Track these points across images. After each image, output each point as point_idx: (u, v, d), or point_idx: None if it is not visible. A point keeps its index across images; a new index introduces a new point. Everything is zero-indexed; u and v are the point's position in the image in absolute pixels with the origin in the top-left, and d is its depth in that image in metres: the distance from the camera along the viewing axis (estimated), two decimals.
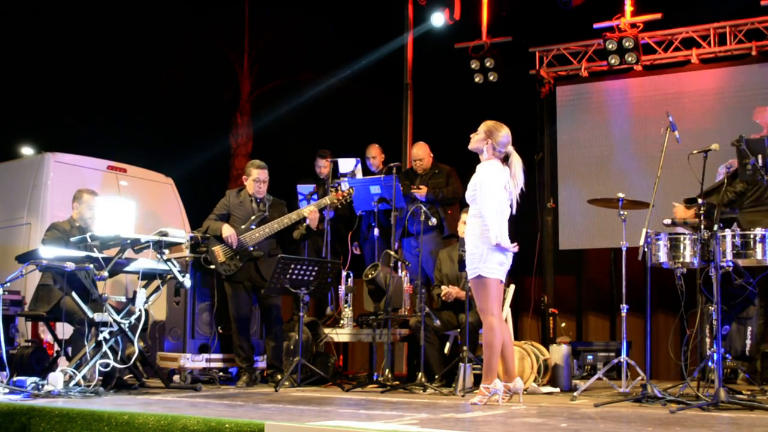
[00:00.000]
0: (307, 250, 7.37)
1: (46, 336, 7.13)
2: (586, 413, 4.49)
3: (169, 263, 5.99)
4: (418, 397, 5.58)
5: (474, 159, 5.27)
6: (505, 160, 5.17)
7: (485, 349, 5.09)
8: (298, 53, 14.39)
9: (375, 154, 8.38)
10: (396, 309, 6.83)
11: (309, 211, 6.74)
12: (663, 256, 5.39)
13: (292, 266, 6.25)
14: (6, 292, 5.92)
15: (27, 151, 13.12)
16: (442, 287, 6.66)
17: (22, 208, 8.06)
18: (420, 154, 7.90)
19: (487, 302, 5.04)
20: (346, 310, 7.14)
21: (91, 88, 14.66)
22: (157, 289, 6.09)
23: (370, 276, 6.99)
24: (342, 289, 7.19)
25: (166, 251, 6.10)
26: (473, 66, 10.20)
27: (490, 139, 5.16)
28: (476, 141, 5.20)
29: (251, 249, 6.67)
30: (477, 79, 10.27)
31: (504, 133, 5.16)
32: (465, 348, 5.81)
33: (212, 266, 6.72)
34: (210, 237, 6.73)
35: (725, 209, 5.95)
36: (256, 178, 6.82)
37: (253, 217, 6.77)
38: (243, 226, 6.74)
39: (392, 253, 6.98)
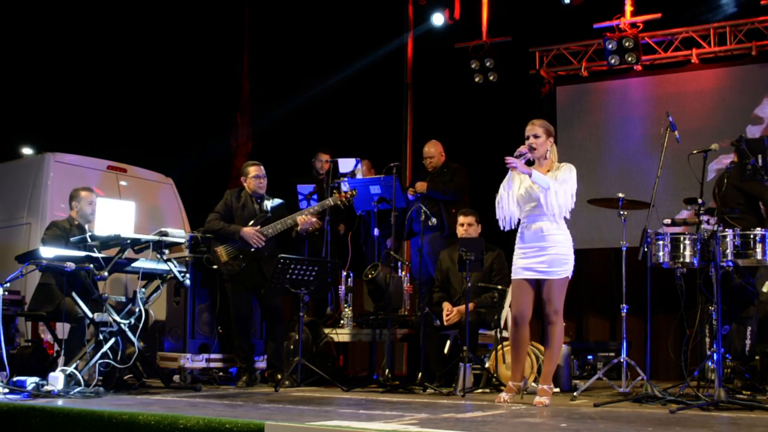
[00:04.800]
0: (307, 250, 7.36)
1: (46, 336, 7.12)
2: (586, 413, 4.49)
3: (169, 263, 5.99)
4: (418, 397, 5.58)
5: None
6: None
7: (557, 351, 5.12)
8: (298, 53, 14.39)
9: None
10: (396, 309, 6.83)
11: (303, 217, 6.70)
12: (663, 256, 5.39)
13: (292, 266, 6.26)
14: (6, 292, 5.91)
15: (27, 151, 13.10)
16: (444, 307, 6.54)
17: (22, 208, 8.06)
18: (431, 152, 7.87)
19: (562, 303, 5.09)
20: (346, 310, 7.15)
21: (91, 88, 14.64)
22: (157, 289, 6.10)
23: (370, 276, 6.99)
24: (342, 289, 7.19)
25: (166, 251, 6.10)
26: (473, 66, 10.21)
27: (551, 137, 5.21)
28: (542, 144, 5.16)
29: (254, 249, 6.67)
30: (477, 79, 10.27)
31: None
32: (465, 348, 5.81)
33: (215, 266, 6.72)
34: (211, 237, 6.72)
35: (725, 209, 5.95)
36: (255, 175, 6.82)
37: (255, 218, 6.77)
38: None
39: (392, 253, 6.98)
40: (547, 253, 5.04)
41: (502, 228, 5.22)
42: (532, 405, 4.89)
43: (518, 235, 5.21)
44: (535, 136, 5.14)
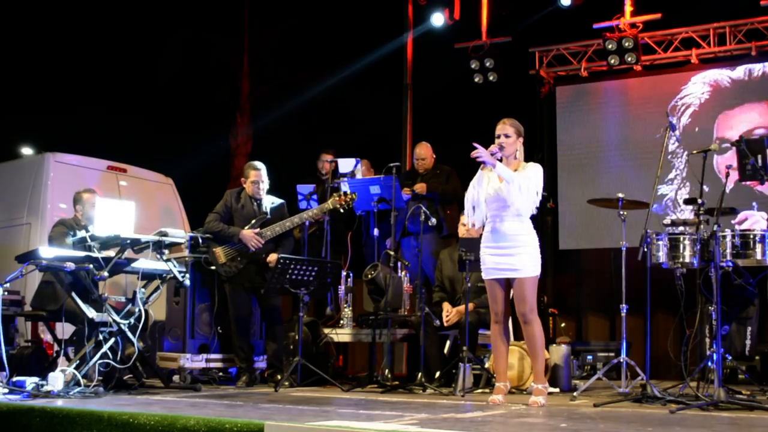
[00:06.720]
0: (307, 250, 7.37)
1: (46, 336, 7.12)
2: (586, 413, 4.49)
3: (169, 263, 5.99)
4: (418, 397, 5.58)
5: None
6: None
7: (540, 349, 5.11)
8: (298, 53, 14.40)
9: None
10: (396, 309, 6.82)
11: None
12: (663, 256, 5.39)
13: (292, 266, 6.25)
14: (6, 292, 5.91)
15: (27, 151, 13.10)
16: (444, 307, 6.54)
17: (22, 208, 8.06)
18: (422, 153, 7.90)
19: (535, 301, 5.08)
20: (346, 310, 7.14)
21: (91, 87, 14.66)
22: (157, 289, 6.10)
23: (370, 276, 6.99)
24: (342, 289, 7.19)
25: (166, 251, 6.10)
26: (473, 66, 10.21)
27: (521, 137, 5.18)
28: (511, 144, 5.12)
29: (252, 251, 6.67)
30: (477, 79, 10.27)
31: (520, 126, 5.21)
32: (465, 348, 5.81)
33: (213, 267, 6.72)
34: (210, 237, 6.72)
35: (726, 209, 5.95)
36: (254, 180, 6.82)
37: (254, 221, 6.76)
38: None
39: (392, 253, 6.97)
40: (516, 253, 5.06)
41: (472, 226, 5.27)
42: (529, 405, 4.90)
43: (485, 234, 5.21)
44: (506, 136, 5.15)
